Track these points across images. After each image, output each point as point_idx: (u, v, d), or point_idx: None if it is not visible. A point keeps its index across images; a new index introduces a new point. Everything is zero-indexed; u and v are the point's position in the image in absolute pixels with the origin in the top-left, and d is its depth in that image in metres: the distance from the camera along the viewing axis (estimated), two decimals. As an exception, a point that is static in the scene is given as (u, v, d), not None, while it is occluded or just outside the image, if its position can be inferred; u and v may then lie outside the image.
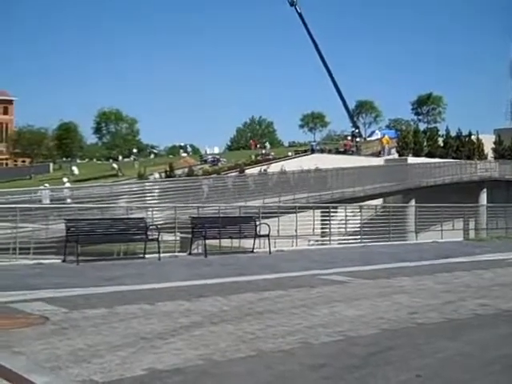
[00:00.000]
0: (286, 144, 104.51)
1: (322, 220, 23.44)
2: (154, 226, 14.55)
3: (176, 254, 15.34)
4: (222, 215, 17.61)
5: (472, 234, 27.06)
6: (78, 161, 79.85)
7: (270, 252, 15.76)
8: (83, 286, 10.13)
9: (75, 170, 64.92)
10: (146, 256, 14.25)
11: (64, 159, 75.45)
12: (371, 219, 25.94)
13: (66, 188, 32.19)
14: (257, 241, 16.55)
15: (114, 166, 62.66)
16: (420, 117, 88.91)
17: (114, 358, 5.71)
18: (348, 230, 22.76)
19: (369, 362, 5.71)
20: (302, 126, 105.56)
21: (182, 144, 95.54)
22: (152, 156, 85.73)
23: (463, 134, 59.23)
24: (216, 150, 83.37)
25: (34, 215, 18.22)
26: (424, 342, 6.55)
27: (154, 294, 9.42)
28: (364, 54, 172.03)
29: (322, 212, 24.57)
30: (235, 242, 17.25)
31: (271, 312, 8.07)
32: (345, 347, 6.27)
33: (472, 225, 30.70)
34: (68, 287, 9.91)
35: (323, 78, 68.58)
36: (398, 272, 12.51)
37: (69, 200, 27.61)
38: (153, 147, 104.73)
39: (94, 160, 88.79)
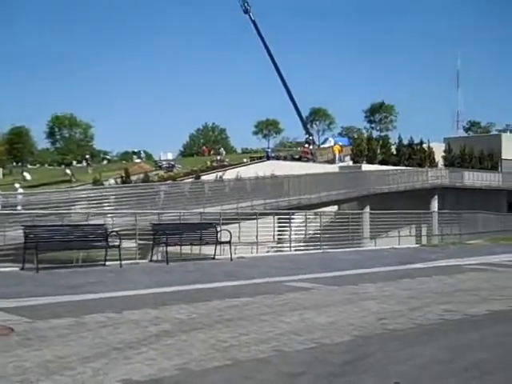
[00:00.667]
0: (239, 150, 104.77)
1: (280, 226, 23.49)
2: (115, 233, 14.29)
3: (137, 261, 15.10)
4: (182, 221, 17.43)
5: (425, 239, 27.45)
6: (29, 166, 78.13)
7: (231, 259, 15.66)
8: (45, 294, 9.85)
9: (27, 175, 63.42)
10: (107, 263, 13.98)
11: (14, 164, 73.73)
12: (328, 226, 26.09)
13: (20, 194, 31.37)
14: (217, 247, 16.44)
15: (67, 171, 61.45)
16: (373, 125, 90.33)
17: (86, 370, 5.54)
18: (306, 236, 22.87)
19: (346, 370, 5.68)
20: (256, 133, 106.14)
21: (136, 150, 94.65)
22: (105, 162, 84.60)
23: (415, 142, 60.34)
24: (170, 156, 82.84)
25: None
26: (397, 348, 6.58)
27: (120, 303, 9.23)
28: (318, 61, 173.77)
29: (279, 218, 24.63)
30: (195, 249, 17.10)
31: (241, 319, 7.99)
32: (320, 355, 6.23)
33: (424, 231, 31.23)
34: (29, 296, 9.63)
35: (276, 85, 68.76)
36: (361, 278, 12.57)
37: (19, 207, 26.97)
38: (105, 153, 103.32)
39: (46, 165, 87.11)
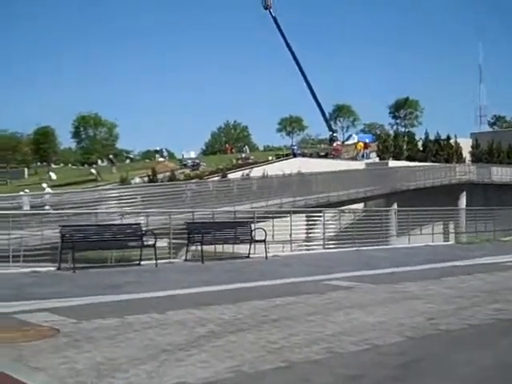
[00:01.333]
0: (261, 148, 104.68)
1: (310, 224, 23.31)
2: (150, 232, 14.22)
3: (171, 260, 15.01)
4: (215, 220, 17.32)
5: (454, 236, 26.93)
6: (53, 166, 78.70)
7: (266, 257, 15.50)
8: (85, 294, 9.79)
9: (52, 175, 63.93)
10: (142, 262, 13.92)
11: (39, 164, 74.23)
12: (357, 223, 25.84)
13: (48, 193, 31.55)
14: (251, 246, 16.30)
15: (93, 171, 61.79)
16: (398, 120, 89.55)
17: (139, 373, 5.43)
18: (337, 234, 22.63)
19: (405, 373, 5.49)
20: (279, 130, 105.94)
21: (158, 148, 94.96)
22: (127, 161, 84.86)
23: (441, 137, 59.67)
24: (192, 155, 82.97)
25: (20, 221, 17.76)
26: (454, 350, 6.37)
27: (161, 303, 9.14)
28: (342, 58, 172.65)
29: (308, 216, 24.48)
30: (228, 248, 17.01)
31: (287, 319, 7.84)
32: (375, 357, 6.05)
33: (454, 227, 30.68)
34: (70, 296, 9.57)
35: (299, 82, 68.46)
36: (401, 277, 12.35)
37: (47, 207, 27.09)
38: (127, 152, 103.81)
39: (69, 165, 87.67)
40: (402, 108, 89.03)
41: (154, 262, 13.80)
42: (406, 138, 58.97)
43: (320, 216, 21.83)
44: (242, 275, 12.70)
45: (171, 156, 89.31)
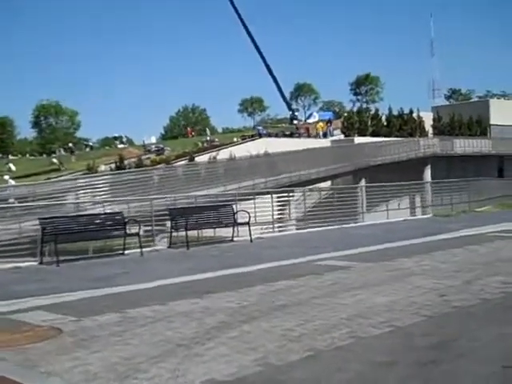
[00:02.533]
0: (220, 130, 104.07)
1: (284, 204, 23.03)
2: (133, 220, 13.77)
3: (155, 248, 14.60)
4: (197, 204, 16.93)
5: (433, 210, 27.01)
6: (10, 157, 76.52)
7: (251, 240, 15.19)
8: (75, 289, 9.35)
9: (12, 166, 62.21)
10: (126, 252, 13.49)
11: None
12: (327, 201, 25.70)
13: (14, 186, 30.63)
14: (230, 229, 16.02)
15: (54, 160, 60.33)
16: (359, 97, 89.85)
17: (161, 372, 5.10)
18: (314, 213, 22.43)
19: (438, 355, 5.28)
20: (240, 111, 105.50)
21: (117, 135, 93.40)
22: (87, 149, 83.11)
23: (404, 112, 59.99)
24: (153, 140, 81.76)
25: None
26: (479, 327, 6.20)
27: (158, 293, 8.80)
28: (301, 36, 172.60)
29: (279, 196, 24.21)
30: (209, 232, 16.67)
31: (296, 304, 7.58)
32: (401, 340, 5.84)
33: (425, 201, 30.77)
34: (60, 292, 9.11)
35: (256, 62, 67.61)
36: (392, 253, 12.19)
37: (11, 199, 26.28)
38: (85, 140, 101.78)
39: (27, 156, 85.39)
40: (363, 84, 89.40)
41: (139, 250, 13.37)
42: (368, 114, 59.15)
43: (292, 196, 21.58)
44: (231, 260, 12.38)
45: (130, 142, 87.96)
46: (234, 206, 15.87)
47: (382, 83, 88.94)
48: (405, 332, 6.09)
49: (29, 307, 8.05)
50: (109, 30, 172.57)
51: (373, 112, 58.05)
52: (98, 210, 17.24)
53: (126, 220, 13.41)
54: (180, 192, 24.27)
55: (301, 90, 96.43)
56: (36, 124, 63.64)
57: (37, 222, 16.49)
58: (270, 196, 19.18)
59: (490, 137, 65.31)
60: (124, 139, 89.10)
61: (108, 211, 15.23)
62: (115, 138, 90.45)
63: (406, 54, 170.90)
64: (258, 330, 6.37)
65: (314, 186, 33.57)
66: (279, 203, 22.27)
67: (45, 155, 76.28)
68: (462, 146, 57.51)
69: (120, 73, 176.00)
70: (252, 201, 19.61)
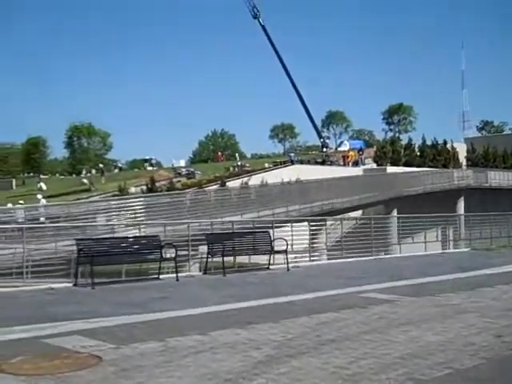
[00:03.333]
0: (249, 155, 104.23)
1: (315, 233, 22.64)
2: (170, 244, 13.54)
3: (191, 273, 14.34)
4: (234, 230, 16.65)
5: (471, 243, 26.34)
6: (41, 176, 77.29)
7: (288, 268, 14.84)
8: (112, 314, 9.11)
9: (43, 185, 62.75)
10: (161, 276, 13.25)
11: (26, 175, 72.87)
12: (359, 232, 25.22)
13: (46, 205, 30.75)
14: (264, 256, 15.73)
15: (85, 180, 60.93)
16: (391, 126, 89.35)
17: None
18: (345, 243, 21.99)
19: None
20: (271, 137, 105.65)
21: (147, 157, 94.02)
22: (116, 170, 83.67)
23: (438, 142, 59.44)
24: (182, 163, 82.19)
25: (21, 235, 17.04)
26: (547, 373, 5.78)
27: (199, 322, 8.51)
28: (335, 63, 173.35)
29: (312, 225, 23.83)
30: (243, 258, 16.37)
31: (344, 339, 7.22)
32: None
33: (465, 233, 30.14)
34: (96, 316, 8.87)
35: (288, 90, 67.63)
36: (437, 288, 11.75)
37: (42, 219, 26.32)
38: (114, 161, 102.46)
39: (57, 175, 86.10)
40: (396, 114, 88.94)
41: (175, 275, 13.11)
42: (399, 143, 58.64)
43: (326, 224, 21.18)
44: (269, 289, 12.05)
45: (159, 165, 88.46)
46: (270, 233, 15.54)
47: (416, 113, 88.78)
48: (466, 375, 5.70)
49: (66, 331, 7.81)
50: (139, 51, 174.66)
51: (406, 142, 57.53)
52: (133, 232, 17.04)
53: (162, 244, 13.16)
54: (212, 217, 24.09)
55: (333, 118, 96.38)
56: (69, 144, 64.26)
57: (69, 242, 16.49)
58: (306, 224, 18.79)
59: (525, 169, 64.32)
60: (153, 161, 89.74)
61: (143, 234, 14.97)
62: (145, 161, 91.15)
63: (438, 84, 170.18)
64: (308, 367, 6.03)
65: (345, 214, 33.22)
66: (312, 231, 21.91)
67: (74, 175, 76.90)
68: (497, 178, 56.69)
69: (151, 94, 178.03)
70: (287, 228, 19.30)
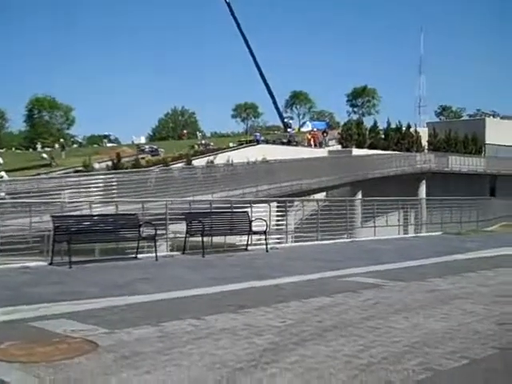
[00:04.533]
0: (208, 134, 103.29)
1: (281, 214, 22.41)
2: (148, 223, 13.11)
3: (170, 253, 13.96)
4: (212, 210, 16.27)
5: (443, 227, 26.46)
6: (-3, 149, 74.96)
7: (267, 250, 14.58)
8: (96, 295, 8.72)
9: (0, 159, 60.97)
10: (139, 256, 12.83)
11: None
12: (325, 213, 25.08)
13: (6, 180, 29.75)
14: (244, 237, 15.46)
15: (44, 155, 59.38)
16: (355, 108, 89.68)
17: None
18: (321, 224, 21.85)
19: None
20: (234, 116, 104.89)
21: (106, 133, 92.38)
22: (74, 145, 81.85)
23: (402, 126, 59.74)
24: (143, 140, 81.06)
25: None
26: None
27: (189, 305, 8.20)
28: (298, 45, 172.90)
29: (278, 206, 23.62)
30: (219, 239, 16.03)
31: (346, 326, 7.00)
32: (486, 375, 5.27)
33: (424, 217, 30.15)
34: (80, 298, 8.47)
35: (250, 69, 67.03)
36: (421, 272, 11.71)
37: (2, 194, 25.46)
38: (72, 136, 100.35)
39: (13, 149, 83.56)
40: (360, 96, 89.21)
41: (152, 255, 12.73)
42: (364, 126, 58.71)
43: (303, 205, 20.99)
44: (252, 271, 11.76)
45: (117, 141, 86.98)
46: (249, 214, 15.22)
47: (379, 96, 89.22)
48: (485, 367, 5.52)
49: (51, 314, 7.41)
50: (99, 29, 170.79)
51: (371, 124, 57.74)
52: (107, 209, 16.51)
53: (141, 222, 12.73)
54: (180, 195, 23.66)
55: (296, 98, 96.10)
56: (29, 117, 62.28)
57: (38, 219, 15.91)
58: (283, 204, 18.54)
59: (485, 155, 65.34)
60: (112, 138, 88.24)
61: (122, 213, 14.48)
62: (104, 137, 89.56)
63: (399, 68, 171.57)
64: (317, 355, 5.77)
65: (312, 196, 33.14)
66: (282, 212, 21.70)
67: (31, 150, 75.00)
68: (457, 163, 57.38)
69: (109, 71, 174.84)
70: (260, 208, 18.99)
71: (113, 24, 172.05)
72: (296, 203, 23.61)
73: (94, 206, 15.98)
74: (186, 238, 13.67)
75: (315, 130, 60.79)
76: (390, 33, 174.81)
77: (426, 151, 58.98)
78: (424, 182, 51.73)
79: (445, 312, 7.88)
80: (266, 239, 14.62)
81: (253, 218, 14.99)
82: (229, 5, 65.28)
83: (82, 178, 24.95)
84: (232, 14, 65.30)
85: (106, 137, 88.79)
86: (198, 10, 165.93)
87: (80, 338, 6.27)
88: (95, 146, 77.85)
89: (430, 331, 6.81)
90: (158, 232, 14.23)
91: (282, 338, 6.39)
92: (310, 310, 7.94)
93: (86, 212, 16.01)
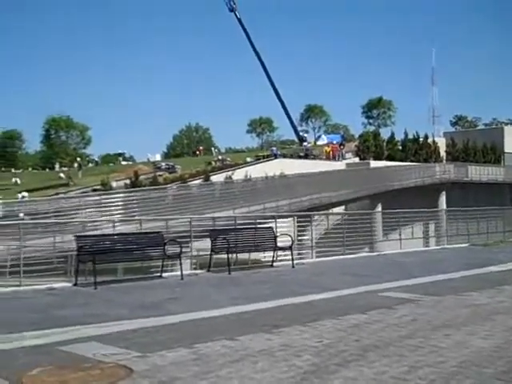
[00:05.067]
0: (223, 150, 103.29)
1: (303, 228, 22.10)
2: (173, 241, 12.88)
3: (195, 271, 13.73)
4: (236, 226, 16.02)
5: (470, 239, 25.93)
6: (13, 170, 75.34)
7: (293, 266, 14.30)
8: (124, 317, 8.49)
9: (17, 180, 61.23)
10: (163, 274, 12.61)
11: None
12: (347, 226, 24.71)
13: (27, 201, 29.77)
14: (267, 253, 15.22)
15: (62, 175, 59.53)
16: (370, 120, 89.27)
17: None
18: (342, 238, 21.52)
19: None
20: (249, 131, 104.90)
21: (120, 151, 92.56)
22: (90, 165, 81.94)
23: (420, 137, 59.31)
24: (158, 157, 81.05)
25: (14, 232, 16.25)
26: None
27: (220, 325, 7.95)
28: (312, 58, 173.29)
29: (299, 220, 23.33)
30: (243, 255, 15.76)
31: (387, 345, 6.70)
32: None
33: (463, 229, 29.59)
34: (108, 320, 8.25)
35: (264, 85, 66.73)
36: (455, 286, 11.36)
37: (21, 214, 25.42)
38: (87, 156, 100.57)
39: (29, 169, 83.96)
40: (376, 108, 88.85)
41: (177, 273, 12.51)
42: (379, 137, 58.30)
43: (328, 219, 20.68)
44: (281, 288, 11.49)
45: (132, 159, 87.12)
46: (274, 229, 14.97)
47: (395, 107, 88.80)
48: (542, 387, 5.21)
49: (80, 337, 7.20)
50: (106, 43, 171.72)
51: (388, 136, 57.37)
52: (130, 228, 16.35)
53: (166, 240, 12.51)
54: (200, 212, 23.47)
55: (312, 112, 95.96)
56: (46, 137, 62.63)
57: (60, 239, 15.77)
58: (305, 218, 18.27)
59: (504, 164, 64.64)
60: (126, 156, 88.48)
61: (143, 230, 14.26)
62: (119, 155, 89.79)
63: (412, 78, 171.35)
64: (362, 377, 5.50)
65: (330, 210, 32.84)
66: (304, 227, 21.38)
67: (48, 169, 75.32)
68: (477, 173, 56.80)
69: (124, 89, 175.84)
70: (283, 224, 18.72)
71: (123, 36, 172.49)
72: (316, 217, 23.30)
73: (115, 224, 15.76)
74: (211, 255, 13.42)
75: (334, 142, 60.51)
76: (403, 43, 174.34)
77: (444, 161, 58.45)
78: (444, 192, 51.20)
79: (487, 329, 7.56)
80: (291, 255, 14.34)
81: (277, 234, 14.71)
82: (240, 20, 65.13)
83: (102, 197, 24.84)
84: (243, 28, 65.21)
85: (120, 155, 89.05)
86: (210, 24, 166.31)
87: (113, 363, 6.04)
88: (110, 164, 78.03)
89: (476, 350, 6.50)
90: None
91: (322, 359, 6.12)
92: (345, 328, 7.65)
93: (107, 231, 15.80)
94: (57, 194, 41.91)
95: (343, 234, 18.38)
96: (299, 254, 17.74)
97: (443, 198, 50.96)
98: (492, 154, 63.63)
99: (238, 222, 17.24)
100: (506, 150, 66.72)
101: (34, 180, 61.02)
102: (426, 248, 20.92)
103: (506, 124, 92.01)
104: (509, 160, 65.95)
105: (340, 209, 38.10)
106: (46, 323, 7.95)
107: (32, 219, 21.66)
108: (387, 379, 5.44)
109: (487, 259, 16.12)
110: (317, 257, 17.90)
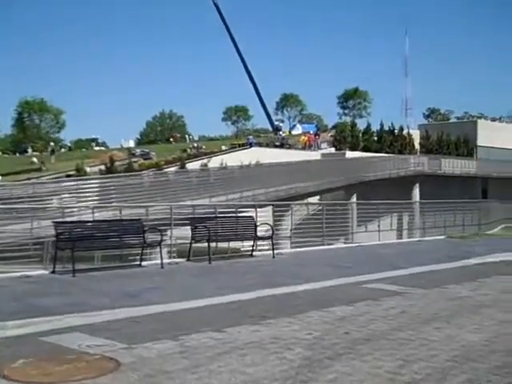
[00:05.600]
0: (196, 137, 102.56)
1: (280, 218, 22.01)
2: (154, 228, 12.63)
3: (174, 260, 13.51)
4: (217, 214, 15.81)
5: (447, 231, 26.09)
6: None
7: (273, 256, 14.17)
8: (106, 306, 8.26)
9: (-13, 164, 59.91)
10: (143, 263, 12.38)
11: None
12: (318, 217, 24.63)
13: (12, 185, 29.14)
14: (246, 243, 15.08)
15: (34, 159, 58.53)
16: (346, 111, 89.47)
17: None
18: (318, 228, 21.45)
19: None
20: (224, 119, 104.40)
21: (94, 137, 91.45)
22: (62, 150, 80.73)
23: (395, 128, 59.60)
24: (132, 144, 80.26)
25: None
26: None
27: (206, 316, 7.79)
28: (288, 47, 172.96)
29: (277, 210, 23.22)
30: (221, 244, 15.60)
31: (378, 338, 6.61)
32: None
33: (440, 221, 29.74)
34: (90, 309, 8.01)
35: (239, 71, 66.48)
36: (438, 278, 11.38)
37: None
38: (61, 140, 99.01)
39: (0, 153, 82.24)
40: (352, 98, 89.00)
41: (157, 262, 12.31)
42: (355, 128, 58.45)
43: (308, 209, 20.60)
44: (264, 278, 11.35)
45: (105, 145, 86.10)
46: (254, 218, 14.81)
47: (371, 98, 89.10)
48: (540, 383, 5.15)
49: (62, 327, 6.97)
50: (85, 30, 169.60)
51: (364, 127, 57.54)
52: (107, 214, 16.06)
53: (146, 228, 12.28)
54: (177, 199, 23.19)
55: (287, 101, 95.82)
56: (18, 121, 61.38)
57: (36, 224, 15.40)
58: (283, 208, 18.14)
59: (476, 158, 65.36)
60: (100, 142, 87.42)
61: (124, 217, 14.01)
62: (92, 140, 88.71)
63: (386, 69, 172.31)
64: (357, 372, 5.37)
65: (305, 199, 32.77)
66: (280, 216, 21.29)
67: (18, 154, 74.04)
68: (450, 166, 57.29)
69: (94, 74, 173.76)
70: (262, 213, 18.56)
71: (97, 23, 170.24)
72: (296, 207, 23.18)
73: (94, 211, 15.44)
74: (191, 243, 13.21)
75: (311, 132, 60.51)
76: (378, 33, 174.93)
77: (418, 153, 58.87)
78: (417, 184, 51.50)
79: (476, 322, 7.51)
80: (272, 245, 14.21)
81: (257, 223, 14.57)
82: (216, 5, 64.76)
83: (79, 183, 24.43)
84: (220, 14, 64.83)
85: (93, 140, 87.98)
86: (187, 9, 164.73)
87: (98, 355, 5.83)
88: (83, 150, 76.94)
89: (467, 343, 6.44)
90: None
91: (314, 353, 5.99)
92: (333, 320, 7.53)
93: (85, 217, 15.50)
94: (29, 179, 41.18)
95: (322, 224, 18.25)
96: (276, 243, 17.60)
97: (417, 191, 51.25)
98: (465, 148, 64.33)
99: (219, 210, 17.02)
100: (478, 144, 67.49)
101: (4, 164, 59.81)
102: (404, 240, 20.93)
103: (479, 118, 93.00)
104: (481, 153, 66.75)
105: (315, 199, 38.06)
106: (26, 312, 7.69)
107: (3, 204, 21.24)
108: (382, 373, 5.33)
109: (465, 252, 16.19)
110: (295, 247, 17.80)
